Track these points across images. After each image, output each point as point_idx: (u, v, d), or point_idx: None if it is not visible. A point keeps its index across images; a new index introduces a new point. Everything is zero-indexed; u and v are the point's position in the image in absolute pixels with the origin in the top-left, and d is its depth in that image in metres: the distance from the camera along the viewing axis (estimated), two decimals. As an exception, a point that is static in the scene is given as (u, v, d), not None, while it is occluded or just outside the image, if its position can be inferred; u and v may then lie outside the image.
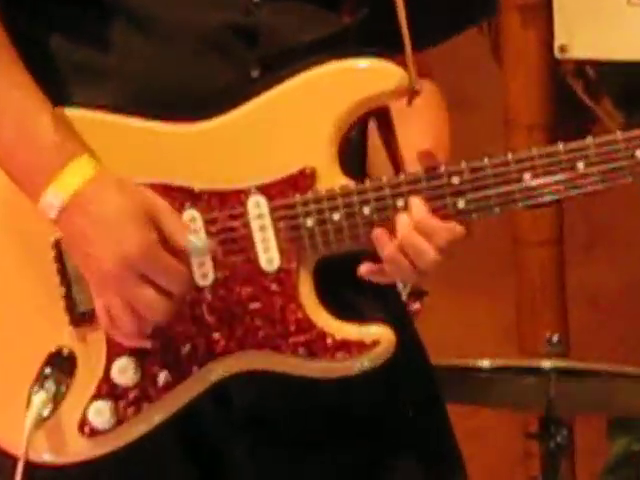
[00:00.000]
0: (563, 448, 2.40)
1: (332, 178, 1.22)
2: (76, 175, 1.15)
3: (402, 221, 1.18)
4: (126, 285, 1.15)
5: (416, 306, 2.54)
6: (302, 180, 1.22)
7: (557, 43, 3.01)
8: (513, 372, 2.43)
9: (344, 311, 1.23)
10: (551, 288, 3.13)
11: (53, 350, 1.21)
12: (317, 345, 1.22)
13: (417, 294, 2.54)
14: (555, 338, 2.41)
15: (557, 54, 3.02)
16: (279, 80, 1.22)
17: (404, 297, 2.46)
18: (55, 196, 1.14)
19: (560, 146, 1.21)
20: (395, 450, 1.32)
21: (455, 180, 1.21)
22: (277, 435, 1.28)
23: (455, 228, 1.20)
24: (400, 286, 2.49)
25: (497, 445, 3.31)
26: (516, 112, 2.99)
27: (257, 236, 1.21)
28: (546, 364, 2.29)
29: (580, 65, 3.15)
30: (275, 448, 1.28)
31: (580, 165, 1.20)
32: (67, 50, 1.23)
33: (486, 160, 1.22)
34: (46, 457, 1.22)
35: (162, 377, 1.23)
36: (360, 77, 1.25)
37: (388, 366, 1.22)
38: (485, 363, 2.39)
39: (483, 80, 3.19)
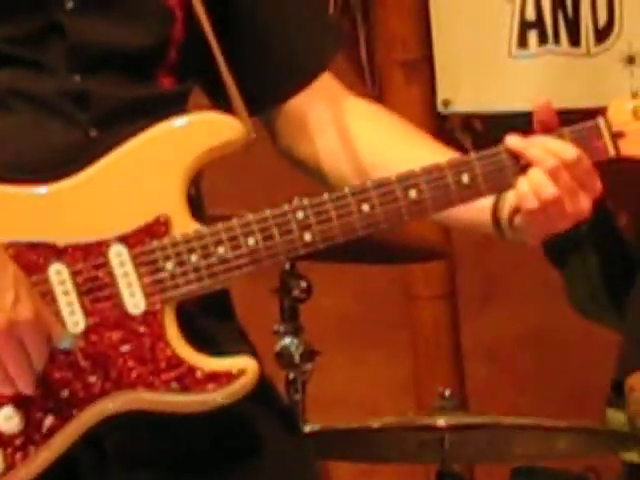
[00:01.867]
0: (460, 502, 2.48)
1: (185, 224, 1.34)
2: None
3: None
4: (3, 346, 1.25)
5: (308, 366, 2.61)
6: (158, 227, 1.33)
7: (440, 98, 3.20)
8: (407, 429, 2.53)
9: (206, 345, 1.34)
10: (446, 342, 3.20)
11: None
12: (188, 379, 1.32)
13: (309, 354, 2.61)
14: (447, 392, 2.48)
15: (440, 108, 3.16)
16: (122, 139, 1.34)
17: (296, 359, 2.59)
18: None
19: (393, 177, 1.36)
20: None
21: (300, 215, 1.34)
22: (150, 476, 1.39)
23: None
24: (293, 348, 2.59)
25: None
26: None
27: (121, 282, 1.32)
28: (439, 421, 2.36)
29: (467, 119, 3.29)
30: None
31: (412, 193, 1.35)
32: None
33: (325, 195, 1.35)
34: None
35: (46, 422, 1.32)
36: (202, 130, 1.38)
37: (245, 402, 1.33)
38: (377, 423, 2.49)
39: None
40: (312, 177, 1.57)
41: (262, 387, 1.39)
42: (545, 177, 1.34)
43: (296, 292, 2.70)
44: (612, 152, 1.38)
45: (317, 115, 1.54)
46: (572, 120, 3.14)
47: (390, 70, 3.25)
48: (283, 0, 1.59)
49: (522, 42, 3.18)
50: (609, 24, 3.17)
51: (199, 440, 1.43)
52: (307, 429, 2.52)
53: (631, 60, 3.13)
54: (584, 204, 1.35)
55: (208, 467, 1.44)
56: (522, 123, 3.25)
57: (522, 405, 3.46)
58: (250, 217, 1.35)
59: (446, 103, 3.23)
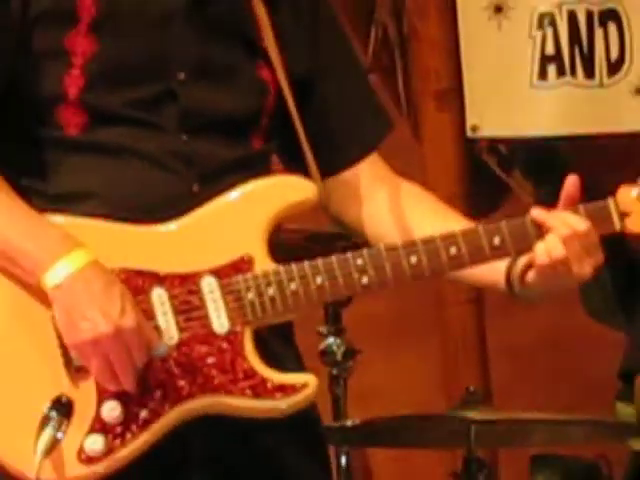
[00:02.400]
0: (485, 486, 2.62)
1: (265, 263, 1.55)
2: (80, 257, 1.47)
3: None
4: (111, 348, 1.45)
5: (349, 364, 2.80)
6: (243, 264, 1.53)
7: (469, 124, 3.33)
8: (438, 420, 2.71)
9: (274, 362, 1.55)
10: (473, 343, 3.34)
11: (55, 397, 1.48)
12: (260, 388, 1.53)
13: (350, 353, 2.79)
14: (473, 389, 2.68)
15: (469, 133, 3.34)
16: (219, 192, 1.55)
17: (339, 357, 2.78)
18: (62, 270, 1.46)
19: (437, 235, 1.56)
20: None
21: (359, 262, 1.55)
22: (229, 471, 1.59)
23: None
24: (335, 347, 2.78)
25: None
26: (434, 186, 3.25)
27: (210, 307, 1.52)
28: (466, 414, 2.52)
29: (493, 142, 3.43)
30: None
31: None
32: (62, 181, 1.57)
33: (381, 246, 1.57)
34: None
35: (142, 415, 1.50)
36: (284, 190, 1.60)
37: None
38: (411, 415, 2.75)
39: (405, 158, 3.46)
40: (353, 235, 1.75)
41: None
42: (558, 241, 1.51)
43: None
44: (618, 228, 1.57)
45: (366, 186, 1.71)
46: (586, 145, 3.39)
47: (424, 99, 3.41)
48: (350, 88, 1.76)
49: (542, 74, 3.30)
50: (621, 58, 3.29)
51: (260, 447, 1.60)
52: (349, 422, 2.72)
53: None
54: (587, 269, 1.54)
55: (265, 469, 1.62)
56: (540, 147, 3.51)
57: (540, 399, 3.60)
58: (319, 261, 1.55)
59: (474, 129, 3.35)
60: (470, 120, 3.35)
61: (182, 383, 1.53)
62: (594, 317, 3.28)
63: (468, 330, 3.34)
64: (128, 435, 1.51)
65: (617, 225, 1.58)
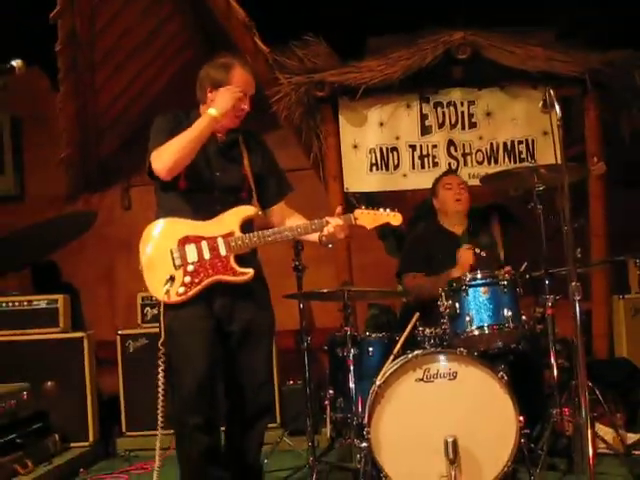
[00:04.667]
0: None
1: (238, 234, 3.96)
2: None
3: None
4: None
5: None
6: (230, 234, 3.92)
7: (345, 186, 6.36)
8: None
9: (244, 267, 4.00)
10: None
11: (170, 274, 3.86)
12: (235, 273, 3.91)
13: None
14: None
15: (345, 190, 6.33)
16: (224, 212, 3.98)
17: None
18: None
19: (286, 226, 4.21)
20: None
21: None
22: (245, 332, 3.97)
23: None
24: None
25: None
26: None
27: (220, 247, 3.88)
28: None
29: (354, 193, 6.45)
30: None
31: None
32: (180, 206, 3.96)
33: (281, 227, 4.17)
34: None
35: (196, 281, 3.87)
36: (246, 210, 3.99)
37: None
38: None
39: (319, 197, 6.37)
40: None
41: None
42: (332, 227, 3.90)
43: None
44: (354, 222, 3.96)
45: (278, 212, 4.09)
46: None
47: (330, 179, 6.25)
48: (271, 164, 4.10)
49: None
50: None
51: (245, 298, 3.89)
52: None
53: None
54: (341, 236, 3.91)
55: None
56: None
57: None
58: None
59: (347, 188, 6.18)
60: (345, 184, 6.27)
61: (210, 271, 3.87)
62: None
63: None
64: (193, 288, 3.85)
65: (353, 221, 3.99)
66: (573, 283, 3.29)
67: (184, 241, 3.88)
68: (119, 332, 6.16)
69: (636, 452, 4.74)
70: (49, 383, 5.80)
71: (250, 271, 3.87)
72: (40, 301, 6.00)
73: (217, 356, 3.87)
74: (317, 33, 6.18)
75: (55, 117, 6.68)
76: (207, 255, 3.87)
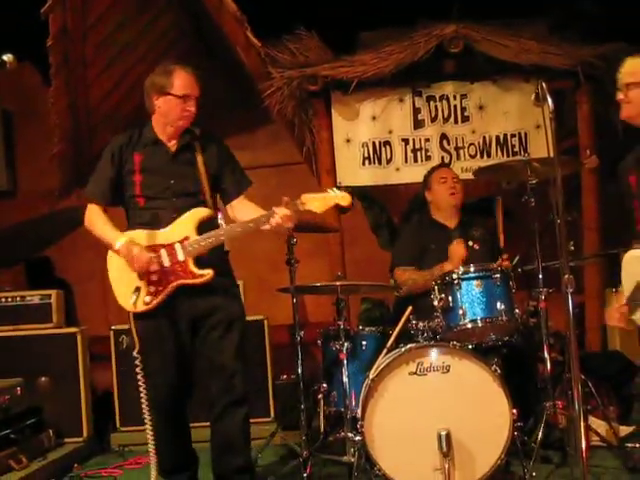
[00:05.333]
0: None
1: (194, 238, 4.13)
2: (124, 239, 4.06)
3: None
4: (139, 266, 4.03)
5: None
6: (185, 238, 4.10)
7: (337, 180, 6.36)
8: None
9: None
10: None
11: (135, 286, 4.07)
12: (194, 276, 4.07)
13: None
14: None
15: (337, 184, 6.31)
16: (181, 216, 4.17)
17: None
18: (119, 243, 4.07)
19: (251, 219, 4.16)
20: None
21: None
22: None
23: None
24: None
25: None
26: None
27: (178, 253, 4.07)
28: None
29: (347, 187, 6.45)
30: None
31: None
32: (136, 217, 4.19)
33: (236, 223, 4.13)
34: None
35: (159, 289, 4.07)
36: (199, 211, 4.14)
37: None
38: None
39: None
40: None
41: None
42: (279, 217, 3.93)
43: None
44: (301, 209, 3.93)
45: (238, 206, 4.22)
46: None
47: (322, 172, 6.23)
48: (226, 162, 4.24)
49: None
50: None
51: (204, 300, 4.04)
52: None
53: None
54: (289, 225, 3.97)
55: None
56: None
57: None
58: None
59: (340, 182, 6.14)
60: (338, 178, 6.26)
61: (172, 277, 4.04)
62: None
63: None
64: (158, 296, 4.04)
65: (301, 207, 3.94)
66: (566, 276, 3.29)
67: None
68: (112, 327, 6.13)
69: (629, 445, 4.73)
70: (43, 379, 5.80)
71: (208, 272, 4.01)
72: (33, 296, 6.00)
73: (184, 359, 4.10)
74: (310, 27, 6.18)
75: (47, 112, 6.65)
76: (167, 262, 4.03)
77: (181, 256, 4.02)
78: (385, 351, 4.47)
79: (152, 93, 4.17)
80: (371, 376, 4.25)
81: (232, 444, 4.11)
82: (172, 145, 4.20)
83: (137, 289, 4.02)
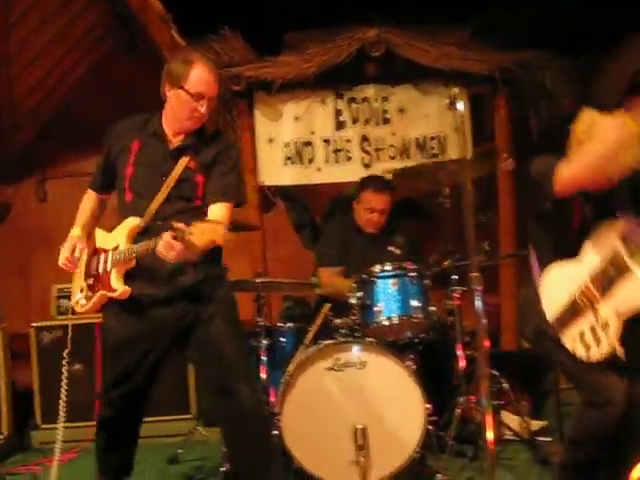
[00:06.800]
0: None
1: (126, 246, 3.83)
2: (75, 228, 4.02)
3: None
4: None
5: None
6: (117, 247, 3.85)
7: (259, 180, 6.41)
8: None
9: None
10: None
11: (81, 286, 3.95)
12: (111, 288, 3.80)
13: None
14: None
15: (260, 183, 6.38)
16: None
17: None
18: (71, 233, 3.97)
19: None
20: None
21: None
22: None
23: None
24: None
25: None
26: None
27: (108, 262, 3.83)
28: None
29: (269, 187, 6.49)
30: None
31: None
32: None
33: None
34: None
35: (94, 292, 3.91)
36: (133, 221, 3.80)
37: None
38: None
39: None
40: None
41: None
42: (160, 245, 3.38)
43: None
44: (187, 238, 3.21)
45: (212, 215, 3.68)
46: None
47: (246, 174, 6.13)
48: (224, 166, 3.78)
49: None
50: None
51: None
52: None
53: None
54: (173, 254, 3.37)
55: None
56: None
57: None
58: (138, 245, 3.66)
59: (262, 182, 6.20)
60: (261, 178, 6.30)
61: (99, 285, 3.80)
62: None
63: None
64: (89, 302, 3.85)
65: (187, 238, 3.27)
66: (473, 274, 3.40)
67: (94, 252, 3.94)
68: (33, 324, 6.11)
69: (540, 438, 4.89)
70: (-38, 376, 5.72)
71: (119, 289, 3.72)
72: (-48, 294, 5.90)
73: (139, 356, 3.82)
74: (235, 28, 6.20)
75: (-31, 108, 6.61)
76: (101, 269, 3.85)
77: (109, 265, 3.80)
78: (303, 347, 4.55)
79: (166, 81, 3.82)
80: (288, 371, 4.33)
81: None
82: (176, 141, 3.84)
83: (82, 289, 3.90)
